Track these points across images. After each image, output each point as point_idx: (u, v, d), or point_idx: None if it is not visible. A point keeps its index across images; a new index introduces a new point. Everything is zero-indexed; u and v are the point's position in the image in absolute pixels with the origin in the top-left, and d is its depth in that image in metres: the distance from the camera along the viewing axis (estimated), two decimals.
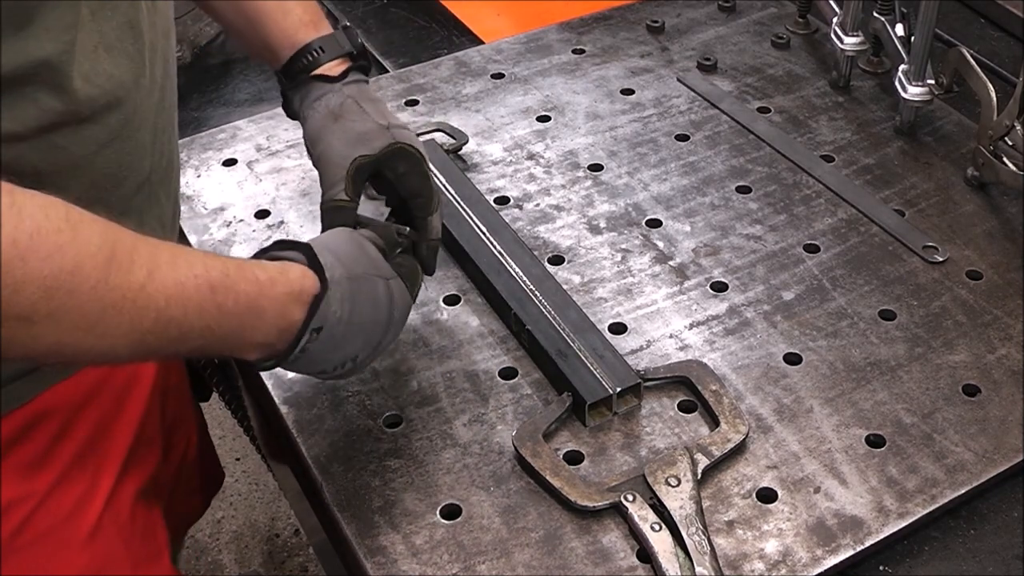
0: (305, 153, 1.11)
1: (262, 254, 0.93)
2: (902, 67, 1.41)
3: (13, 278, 0.71)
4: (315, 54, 1.10)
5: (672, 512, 0.97)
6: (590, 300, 1.21)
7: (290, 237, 1.30)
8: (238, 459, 2.52)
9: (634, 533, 0.98)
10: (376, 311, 0.96)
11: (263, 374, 1.14)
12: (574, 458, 1.05)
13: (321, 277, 0.90)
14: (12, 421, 0.97)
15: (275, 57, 1.12)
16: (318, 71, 1.10)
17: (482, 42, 1.67)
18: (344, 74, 1.10)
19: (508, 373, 1.13)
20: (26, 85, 0.82)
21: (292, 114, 1.14)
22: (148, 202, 1.02)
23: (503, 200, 1.35)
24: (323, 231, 1.05)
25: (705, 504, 1.00)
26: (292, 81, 1.11)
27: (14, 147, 0.84)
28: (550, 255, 1.28)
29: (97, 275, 0.75)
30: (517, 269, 1.20)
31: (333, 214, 1.05)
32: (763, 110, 1.49)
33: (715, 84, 1.53)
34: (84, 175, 0.91)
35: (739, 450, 1.05)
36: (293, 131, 1.22)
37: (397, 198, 1.11)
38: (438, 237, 1.12)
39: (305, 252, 0.92)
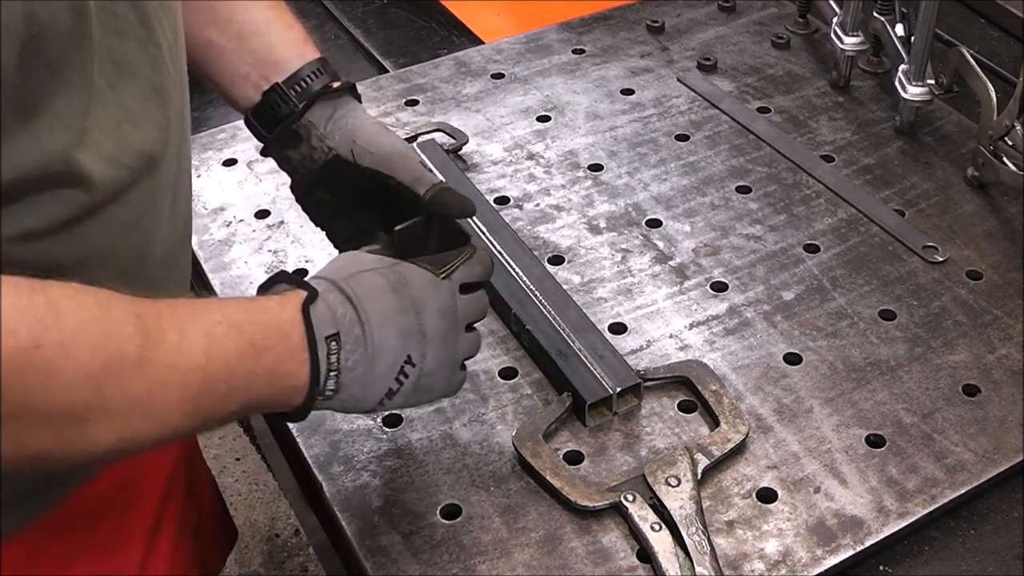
0: None
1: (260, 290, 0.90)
2: (902, 67, 1.41)
3: (64, 379, 0.69)
4: (322, 70, 1.05)
5: (672, 512, 0.97)
6: (590, 300, 1.22)
7: (290, 237, 1.30)
8: (238, 459, 2.52)
9: (634, 533, 0.98)
10: (388, 297, 0.88)
11: None
12: (574, 458, 1.05)
13: (302, 285, 0.86)
14: (42, 525, 0.94)
15: (275, 69, 1.04)
16: (334, 83, 1.05)
17: (482, 42, 1.67)
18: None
19: (508, 373, 1.13)
20: (43, 183, 0.77)
21: (304, 127, 1.04)
22: (169, 268, 0.96)
23: (503, 200, 1.35)
24: (442, 210, 0.99)
25: (705, 504, 1.00)
26: (301, 93, 1.03)
27: (32, 245, 0.79)
28: (550, 255, 1.28)
29: (138, 354, 0.73)
30: (517, 269, 1.20)
31: (444, 196, 0.99)
32: (763, 110, 1.49)
33: (715, 84, 1.53)
34: (108, 261, 0.86)
35: (739, 450, 1.05)
36: None
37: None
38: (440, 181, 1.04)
39: (284, 278, 0.88)
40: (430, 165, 1.20)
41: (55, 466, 0.75)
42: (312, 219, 1.10)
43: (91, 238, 0.82)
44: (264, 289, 0.89)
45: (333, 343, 0.84)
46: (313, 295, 0.85)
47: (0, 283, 0.67)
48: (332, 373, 0.85)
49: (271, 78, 1.04)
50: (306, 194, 1.07)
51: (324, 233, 1.11)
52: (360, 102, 1.07)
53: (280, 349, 0.82)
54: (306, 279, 0.88)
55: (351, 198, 1.05)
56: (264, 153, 1.08)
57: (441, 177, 1.03)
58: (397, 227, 0.98)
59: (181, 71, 0.91)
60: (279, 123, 1.04)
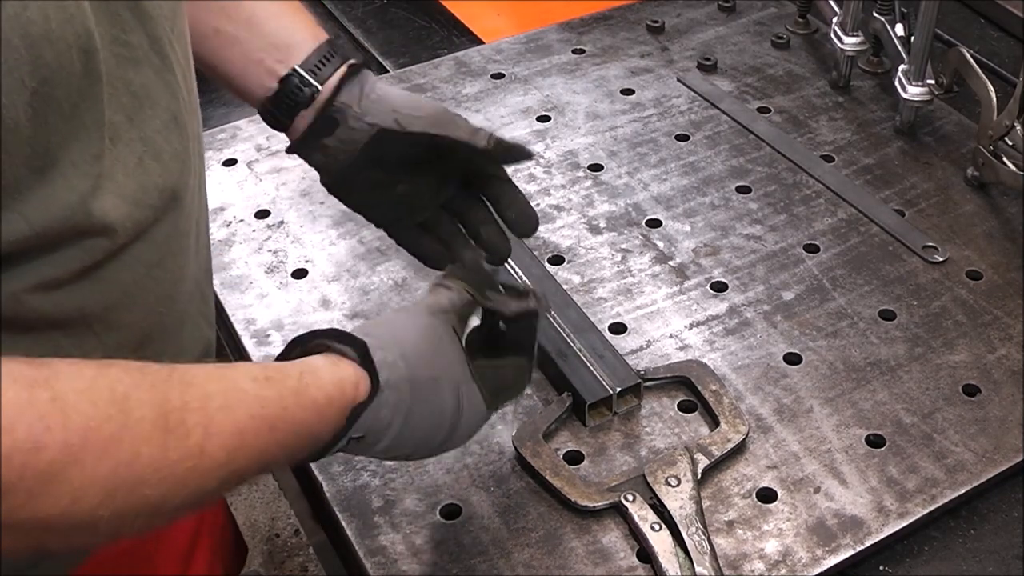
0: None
1: (319, 336, 0.83)
2: (902, 67, 1.41)
3: (71, 486, 0.63)
4: (334, 51, 1.01)
5: (672, 512, 0.97)
6: (590, 300, 1.21)
7: (290, 237, 1.30)
8: None
9: (634, 533, 0.98)
10: (438, 420, 0.85)
11: None
12: (574, 458, 1.05)
13: (373, 381, 0.80)
14: None
15: (290, 52, 1.00)
16: (351, 60, 1.01)
17: (482, 42, 1.67)
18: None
19: None
20: (63, 235, 0.72)
21: (339, 109, 0.99)
22: (196, 303, 0.92)
23: None
24: (511, 158, 0.97)
25: (705, 504, 1.00)
26: (320, 76, 0.99)
27: (53, 294, 0.75)
28: (550, 255, 1.28)
29: (156, 455, 0.67)
30: (517, 269, 1.20)
31: (505, 144, 0.95)
32: (763, 110, 1.49)
33: (715, 84, 1.53)
34: (135, 304, 0.82)
35: (739, 450, 1.05)
36: None
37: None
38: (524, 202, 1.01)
39: (358, 350, 0.81)
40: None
41: (53, 556, 0.70)
42: (355, 206, 1.05)
43: (116, 282, 0.78)
44: (331, 338, 0.82)
45: (354, 441, 0.82)
46: (372, 397, 0.80)
47: (3, 371, 0.62)
48: (337, 451, 0.82)
49: (287, 61, 1.00)
50: (349, 180, 1.02)
51: (370, 221, 1.06)
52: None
53: (305, 443, 0.79)
54: (375, 351, 0.81)
55: (402, 171, 1.00)
56: (293, 149, 1.03)
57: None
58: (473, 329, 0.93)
59: (195, 96, 0.88)
60: (298, 109, 1.00)
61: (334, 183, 1.02)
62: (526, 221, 1.01)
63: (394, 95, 0.99)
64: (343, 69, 0.99)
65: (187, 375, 0.73)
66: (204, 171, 0.93)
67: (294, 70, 0.99)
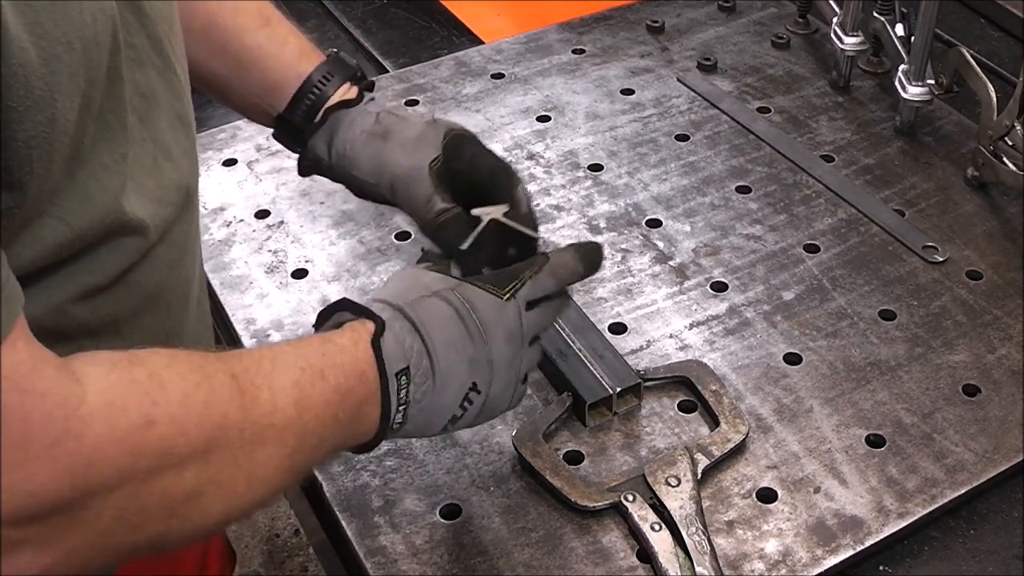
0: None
1: (316, 324, 0.87)
2: (902, 67, 1.41)
3: (178, 455, 0.66)
4: (325, 80, 1.01)
5: (672, 512, 0.97)
6: (590, 300, 1.21)
7: (290, 237, 1.30)
8: None
9: (634, 533, 0.98)
10: (453, 323, 0.84)
11: None
12: (574, 458, 1.05)
13: (368, 314, 0.82)
14: None
15: (277, 96, 1.02)
16: (335, 95, 1.02)
17: (482, 42, 1.67)
18: (360, 95, 1.02)
19: None
20: (101, 236, 0.73)
21: (312, 162, 1.02)
22: (200, 302, 0.94)
23: None
24: (442, 248, 0.95)
25: (705, 504, 1.00)
26: (304, 118, 1.01)
27: (90, 302, 0.76)
28: None
29: (240, 416, 0.70)
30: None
31: (448, 227, 0.94)
32: (763, 110, 1.49)
33: (715, 84, 1.53)
34: (158, 305, 0.83)
35: (739, 450, 1.05)
36: None
37: (472, 187, 0.98)
38: (528, 210, 0.98)
39: (346, 305, 0.84)
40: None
41: (170, 546, 0.71)
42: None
43: (144, 284, 0.80)
44: (325, 317, 0.86)
45: (403, 378, 0.81)
46: (381, 327, 0.81)
47: (95, 361, 0.64)
48: (401, 407, 0.82)
49: (275, 105, 1.02)
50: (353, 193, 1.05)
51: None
52: (361, 97, 1.03)
53: (360, 391, 0.79)
54: (368, 302, 0.85)
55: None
56: (300, 173, 1.06)
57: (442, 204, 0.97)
58: (461, 247, 0.93)
59: (188, 96, 0.89)
60: (302, 142, 1.03)
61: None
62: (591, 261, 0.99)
63: (360, 154, 0.99)
64: (319, 116, 1.01)
65: (232, 351, 0.75)
66: (197, 179, 0.93)
67: (280, 117, 1.03)
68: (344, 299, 0.85)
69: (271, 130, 1.06)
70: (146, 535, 0.67)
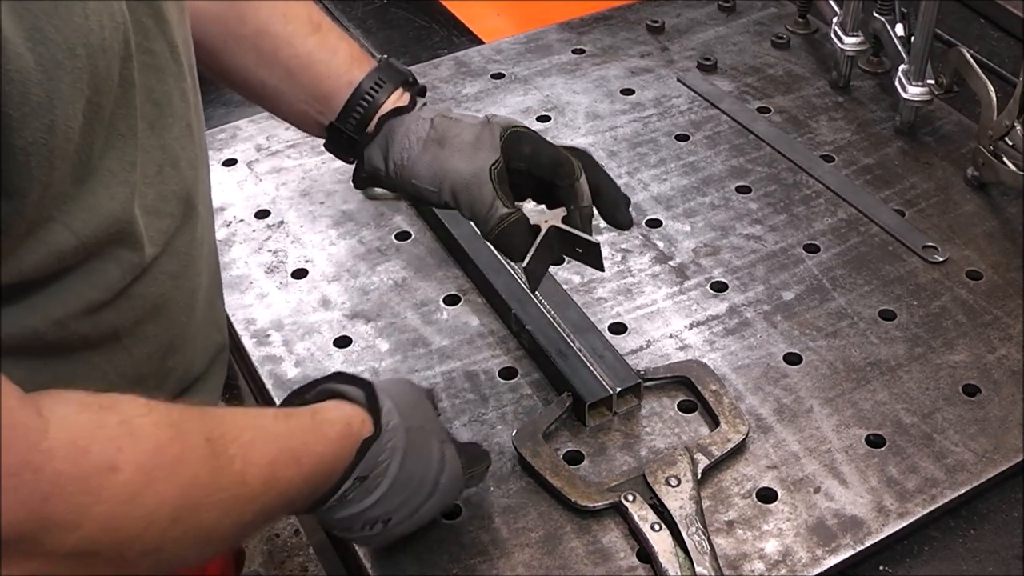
0: (305, 153, 1.08)
1: (322, 382, 0.87)
2: (902, 67, 1.41)
3: (145, 509, 0.65)
4: (376, 87, 1.00)
5: (672, 512, 0.97)
6: (590, 300, 1.21)
7: (290, 237, 1.30)
8: None
9: (634, 533, 0.98)
10: (425, 470, 0.88)
11: (262, 372, 1.14)
12: (574, 458, 1.05)
13: (376, 421, 0.84)
14: None
15: (328, 104, 1.00)
16: (388, 103, 1.00)
17: (482, 42, 1.67)
18: (413, 101, 1.01)
19: (508, 373, 1.13)
20: (103, 246, 0.73)
21: (370, 174, 1.01)
22: (209, 312, 0.93)
23: None
24: (503, 254, 0.96)
25: (705, 504, 1.00)
26: (357, 127, 1.00)
27: (93, 316, 0.75)
28: None
29: (210, 479, 0.69)
30: (517, 269, 1.20)
31: (510, 235, 0.94)
32: (763, 110, 1.49)
33: (715, 84, 1.53)
34: (161, 317, 0.82)
35: (739, 450, 1.05)
36: (293, 131, 1.21)
37: (534, 181, 0.98)
38: (589, 202, 0.98)
39: (366, 391, 0.85)
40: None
41: None
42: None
43: (145, 296, 0.79)
44: (340, 381, 0.86)
45: (358, 482, 0.84)
46: (376, 435, 0.84)
47: (64, 400, 0.64)
48: (335, 501, 0.84)
49: (326, 113, 1.01)
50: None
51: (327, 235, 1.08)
52: (414, 103, 1.01)
53: (327, 477, 0.81)
54: (381, 395, 0.86)
55: None
56: (356, 185, 1.05)
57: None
58: (522, 265, 0.96)
59: (200, 103, 0.88)
60: (354, 152, 1.02)
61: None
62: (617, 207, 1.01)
63: (418, 163, 0.98)
64: (372, 125, 1.00)
65: (217, 414, 0.75)
66: (208, 189, 0.93)
67: (332, 125, 1.01)
68: (361, 380, 0.87)
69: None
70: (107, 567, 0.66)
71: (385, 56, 1.04)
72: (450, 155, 0.96)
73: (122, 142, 0.71)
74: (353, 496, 0.84)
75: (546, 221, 0.97)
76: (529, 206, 0.99)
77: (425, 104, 1.02)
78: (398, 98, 1.01)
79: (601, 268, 1.02)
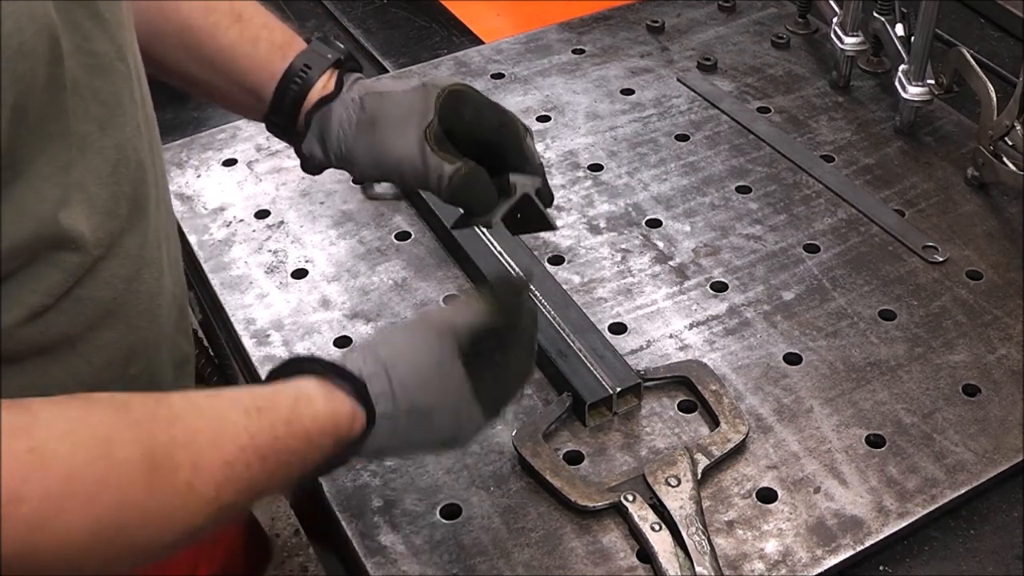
0: None
1: (308, 365, 0.82)
2: (902, 67, 1.41)
3: (57, 535, 0.63)
4: (302, 76, 0.97)
5: (672, 512, 0.97)
6: (590, 300, 1.21)
7: (290, 237, 1.30)
8: None
9: (634, 533, 0.98)
10: (432, 440, 0.87)
11: (262, 372, 1.14)
12: (574, 458, 1.05)
13: (369, 416, 0.81)
14: None
15: (259, 97, 0.99)
16: (313, 91, 0.97)
17: (482, 42, 1.67)
18: (339, 85, 0.97)
19: None
20: (36, 249, 0.71)
21: (317, 163, 0.99)
22: (176, 318, 0.91)
23: None
24: (463, 215, 0.92)
25: (705, 504, 1.00)
26: (290, 118, 0.98)
27: (39, 322, 0.74)
28: (550, 255, 1.28)
29: (142, 497, 0.67)
30: (517, 269, 1.20)
31: (466, 184, 0.90)
32: (763, 110, 1.49)
33: (715, 84, 1.53)
34: (118, 322, 0.81)
35: (739, 450, 1.05)
36: None
37: (479, 146, 0.94)
38: (539, 162, 0.96)
39: (357, 387, 0.80)
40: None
41: None
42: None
43: (96, 300, 0.78)
44: (331, 373, 0.81)
45: (354, 460, 0.83)
46: (363, 436, 0.81)
47: None
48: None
49: (259, 107, 0.99)
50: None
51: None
52: (341, 85, 0.98)
53: (298, 471, 0.78)
54: (375, 379, 0.81)
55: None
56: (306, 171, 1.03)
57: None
58: (491, 221, 0.94)
59: (150, 105, 0.87)
60: (294, 137, 1.00)
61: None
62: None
63: (355, 148, 0.96)
64: (302, 120, 0.98)
65: (174, 408, 0.72)
66: (167, 185, 0.92)
67: (267, 117, 0.99)
68: (359, 381, 0.81)
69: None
70: None
71: (317, 35, 1.01)
72: (383, 135, 0.93)
73: (52, 145, 0.70)
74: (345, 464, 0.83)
75: (524, 185, 0.95)
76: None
77: (357, 79, 0.98)
78: (325, 83, 0.98)
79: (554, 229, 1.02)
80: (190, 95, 1.04)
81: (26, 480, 0.62)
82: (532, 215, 0.98)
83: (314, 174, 1.03)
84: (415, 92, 0.94)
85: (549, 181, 1.36)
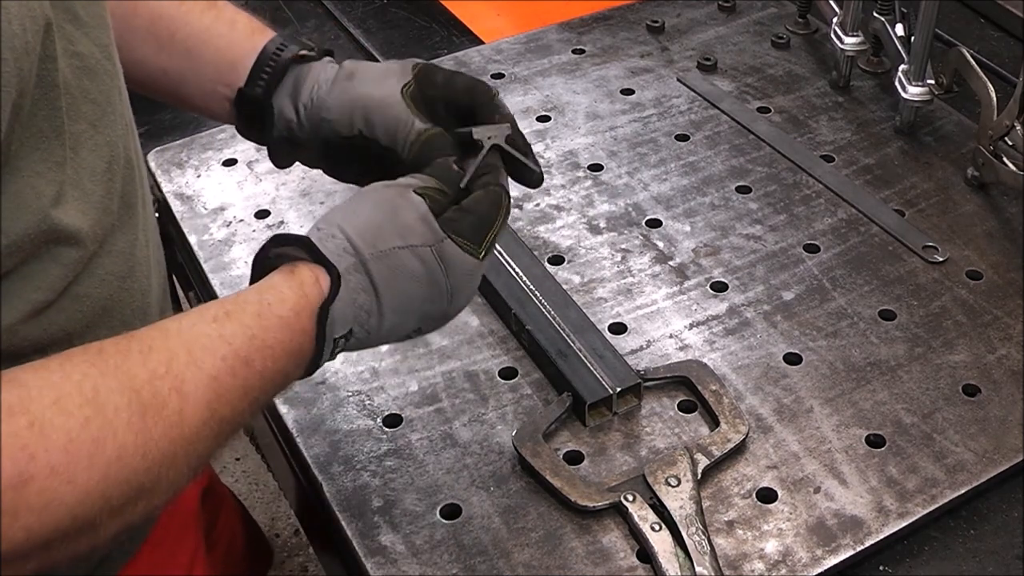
0: None
1: (261, 254, 0.81)
2: (902, 67, 1.41)
3: (68, 505, 0.63)
4: (280, 50, 0.96)
5: (672, 512, 0.97)
6: (590, 300, 1.21)
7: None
8: (238, 459, 2.52)
9: (634, 533, 0.98)
10: (420, 286, 0.82)
11: None
12: (574, 458, 1.05)
13: (332, 273, 0.78)
14: None
15: (234, 73, 0.97)
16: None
17: (482, 42, 1.67)
18: (320, 55, 0.97)
19: (508, 373, 1.13)
20: (36, 245, 0.71)
21: (283, 133, 0.96)
22: (164, 304, 0.92)
23: None
24: (421, 172, 0.86)
25: (705, 504, 1.00)
26: (266, 90, 0.96)
27: (41, 319, 0.75)
28: (550, 255, 1.28)
29: (139, 440, 0.67)
30: (517, 269, 1.20)
31: (433, 144, 0.88)
32: (763, 110, 1.49)
33: (715, 84, 1.53)
34: (112, 319, 0.81)
35: (739, 450, 1.05)
36: None
37: (452, 111, 0.93)
38: (512, 116, 0.92)
39: (305, 246, 0.79)
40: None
41: (59, 567, 0.68)
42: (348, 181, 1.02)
43: (92, 297, 0.78)
44: (277, 245, 0.80)
45: (342, 340, 0.80)
46: (336, 287, 0.78)
47: None
48: (334, 354, 0.81)
49: (233, 84, 0.97)
50: (348, 179, 0.99)
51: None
52: (321, 57, 0.97)
53: (290, 362, 0.77)
54: (328, 239, 0.79)
55: (383, 160, 0.93)
56: (278, 166, 1.02)
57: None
58: (461, 184, 0.86)
59: (129, 104, 0.87)
60: (268, 118, 0.97)
61: (332, 175, 1.01)
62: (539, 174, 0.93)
63: (328, 97, 0.94)
64: (276, 75, 0.96)
65: (145, 341, 0.71)
66: (148, 189, 0.91)
67: (241, 90, 0.97)
68: (300, 237, 0.79)
69: None
70: (37, 565, 0.65)
71: (284, 31, 1.01)
72: (360, 84, 0.92)
73: (46, 142, 0.70)
74: (353, 345, 0.80)
75: (489, 138, 0.89)
76: (474, 130, 0.91)
77: (333, 63, 0.98)
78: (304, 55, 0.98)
79: (539, 182, 0.93)
80: (157, 100, 1.03)
81: (32, 457, 0.62)
82: (514, 168, 0.91)
83: (282, 164, 1.01)
84: (393, 62, 0.95)
85: (549, 180, 1.37)
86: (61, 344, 0.75)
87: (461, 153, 0.89)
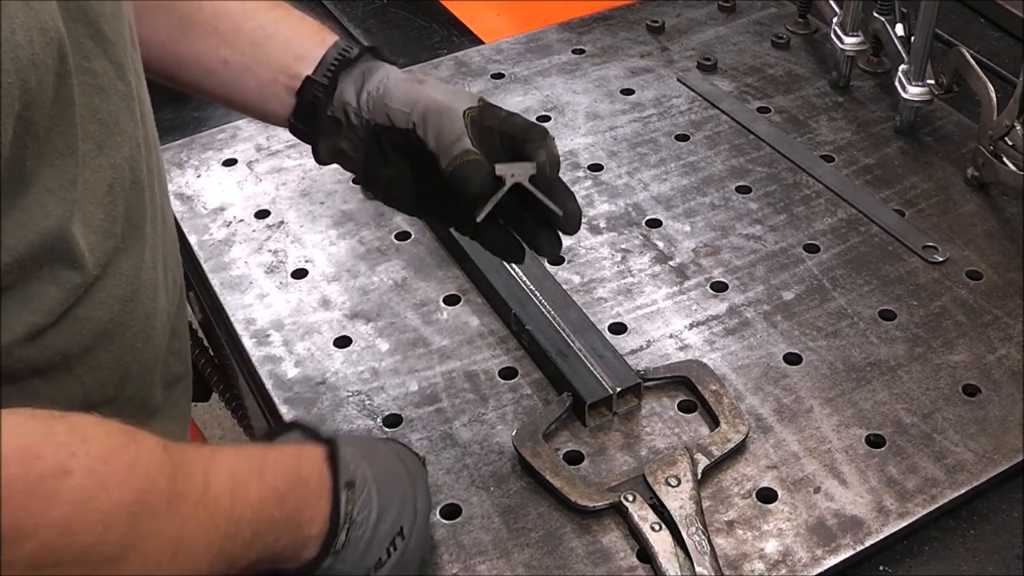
0: (306, 153, 1.06)
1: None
2: (902, 67, 1.41)
3: (101, 513, 0.64)
4: (348, 48, 0.99)
5: (672, 512, 0.97)
6: (590, 300, 1.21)
7: (290, 237, 1.30)
8: None
9: (634, 533, 0.98)
10: (392, 463, 0.91)
11: (262, 372, 1.14)
12: (574, 458, 1.05)
13: (318, 438, 0.85)
14: None
15: (302, 63, 0.98)
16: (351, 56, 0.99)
17: (482, 42, 1.67)
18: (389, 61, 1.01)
19: (508, 373, 1.13)
20: (39, 263, 0.71)
21: (337, 117, 0.98)
22: (170, 339, 0.92)
23: None
24: (459, 190, 0.91)
25: (705, 504, 1.00)
26: (333, 76, 0.97)
27: (38, 341, 0.74)
28: None
29: (169, 487, 0.68)
30: (517, 269, 1.20)
31: (471, 169, 0.90)
32: (763, 110, 1.49)
33: (715, 84, 1.53)
34: (113, 342, 0.81)
35: (739, 450, 1.05)
36: None
37: (506, 145, 0.95)
38: (558, 160, 0.96)
39: (294, 426, 0.88)
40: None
41: None
42: (387, 203, 1.03)
43: (92, 321, 0.78)
44: (275, 435, 0.87)
45: (350, 491, 0.83)
46: (334, 447, 0.84)
47: (15, 411, 0.63)
48: (345, 525, 0.82)
49: (300, 74, 0.98)
50: (370, 179, 1.00)
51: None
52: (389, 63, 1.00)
53: (299, 495, 0.79)
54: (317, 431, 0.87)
55: (420, 168, 0.96)
56: (319, 160, 1.02)
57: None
58: (477, 217, 0.92)
59: (153, 127, 0.87)
60: (319, 108, 0.98)
61: (365, 184, 1.02)
62: (571, 219, 0.97)
63: (394, 87, 0.97)
64: (348, 66, 0.98)
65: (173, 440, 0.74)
66: (168, 203, 0.92)
67: (308, 79, 0.98)
68: (295, 422, 0.89)
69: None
70: None
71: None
72: (429, 89, 0.95)
73: (60, 160, 0.70)
74: (361, 517, 0.83)
75: (512, 175, 0.92)
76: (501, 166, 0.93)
77: None
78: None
79: (571, 227, 0.96)
80: (198, 96, 1.04)
81: (73, 455, 0.63)
82: (532, 204, 0.94)
83: (324, 158, 1.01)
84: (462, 88, 0.98)
85: None
86: (58, 367, 0.75)
87: (494, 187, 0.92)
